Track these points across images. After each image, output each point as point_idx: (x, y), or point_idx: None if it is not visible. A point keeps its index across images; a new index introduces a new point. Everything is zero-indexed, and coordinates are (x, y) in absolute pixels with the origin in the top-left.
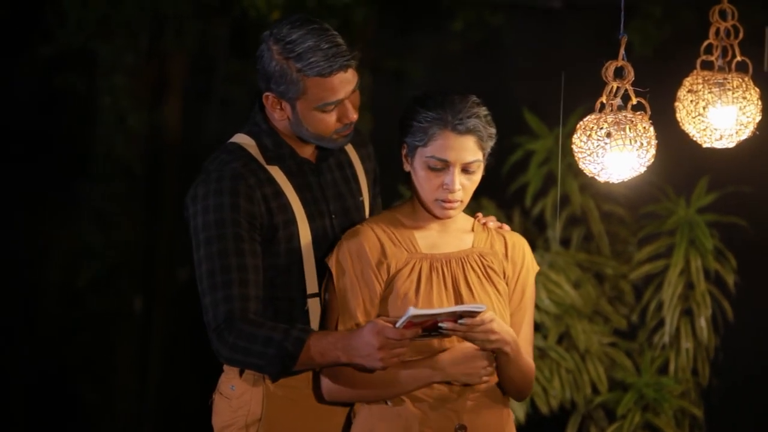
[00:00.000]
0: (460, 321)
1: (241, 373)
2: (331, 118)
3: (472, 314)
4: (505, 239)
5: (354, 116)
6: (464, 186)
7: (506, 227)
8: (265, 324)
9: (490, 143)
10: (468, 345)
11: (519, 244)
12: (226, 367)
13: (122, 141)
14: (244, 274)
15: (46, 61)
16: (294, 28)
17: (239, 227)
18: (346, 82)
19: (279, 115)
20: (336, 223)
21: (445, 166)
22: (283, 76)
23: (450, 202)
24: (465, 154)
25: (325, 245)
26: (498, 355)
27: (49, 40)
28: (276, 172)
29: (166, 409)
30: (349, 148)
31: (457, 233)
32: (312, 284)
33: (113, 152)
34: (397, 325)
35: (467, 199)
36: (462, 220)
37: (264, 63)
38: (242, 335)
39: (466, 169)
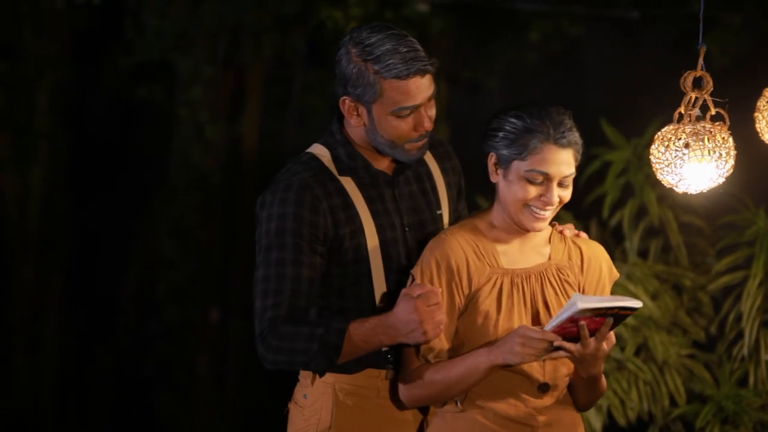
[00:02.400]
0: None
1: (312, 382)
2: (405, 125)
3: (625, 314)
4: (581, 251)
5: (429, 125)
6: (561, 198)
7: (584, 235)
8: (305, 322)
9: (580, 155)
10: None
11: (596, 255)
12: (300, 377)
13: (200, 152)
14: (297, 284)
15: (125, 74)
16: (373, 32)
17: (300, 238)
18: (422, 88)
19: (355, 121)
20: (410, 235)
21: (545, 179)
22: (360, 78)
23: (543, 211)
24: (565, 168)
25: (396, 257)
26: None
27: (129, 53)
28: (347, 183)
29: (243, 418)
30: (431, 160)
31: (536, 246)
32: (381, 295)
33: (191, 163)
34: (554, 324)
35: (557, 210)
36: (540, 232)
37: (342, 66)
38: (285, 337)
39: (562, 183)
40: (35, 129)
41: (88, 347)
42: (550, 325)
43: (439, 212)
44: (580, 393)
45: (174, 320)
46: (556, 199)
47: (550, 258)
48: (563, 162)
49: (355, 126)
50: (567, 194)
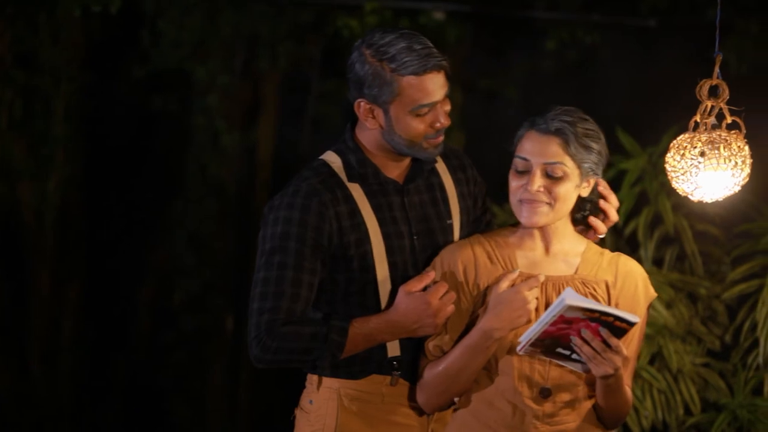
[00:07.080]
0: (601, 329)
1: (318, 387)
2: (423, 123)
3: (621, 327)
4: (617, 266)
5: (446, 121)
6: (548, 190)
7: (611, 200)
8: (306, 321)
9: (585, 155)
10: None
11: (632, 272)
12: (307, 383)
13: (216, 161)
14: (297, 289)
15: (142, 82)
16: (386, 33)
17: (303, 244)
18: (439, 85)
19: (371, 124)
20: (418, 243)
21: (526, 167)
22: (376, 78)
23: (531, 202)
24: (546, 154)
25: (403, 265)
26: (600, 381)
27: (145, 62)
28: (355, 190)
29: (257, 427)
30: (443, 171)
31: (562, 256)
32: (387, 302)
33: (207, 172)
34: (545, 321)
35: (558, 207)
36: (571, 243)
37: (356, 69)
38: (286, 338)
39: (549, 173)
40: (52, 138)
41: (103, 356)
42: (540, 321)
43: (449, 222)
44: (600, 403)
45: (189, 329)
46: (536, 187)
47: (577, 270)
48: (544, 148)
49: (370, 128)
50: (560, 187)
